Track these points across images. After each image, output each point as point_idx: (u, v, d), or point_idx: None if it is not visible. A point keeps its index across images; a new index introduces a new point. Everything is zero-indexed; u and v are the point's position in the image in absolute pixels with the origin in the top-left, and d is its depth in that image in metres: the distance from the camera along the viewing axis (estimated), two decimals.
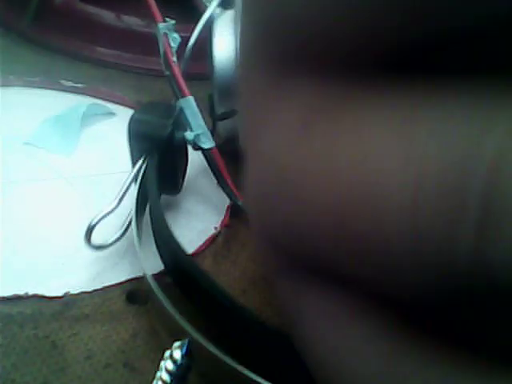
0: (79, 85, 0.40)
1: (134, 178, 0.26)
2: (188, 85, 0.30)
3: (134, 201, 0.26)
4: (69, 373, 0.22)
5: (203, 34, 0.32)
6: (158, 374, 0.17)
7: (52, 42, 0.44)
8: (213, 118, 0.33)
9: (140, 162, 0.27)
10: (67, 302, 0.25)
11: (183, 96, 0.29)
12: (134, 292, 0.26)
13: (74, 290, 0.25)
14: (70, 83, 0.40)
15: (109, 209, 0.24)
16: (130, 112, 0.40)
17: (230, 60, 0.31)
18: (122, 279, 0.26)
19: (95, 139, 0.36)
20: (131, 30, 0.45)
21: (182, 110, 0.28)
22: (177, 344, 0.17)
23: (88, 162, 0.34)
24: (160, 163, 0.27)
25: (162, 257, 0.25)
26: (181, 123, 0.29)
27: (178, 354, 0.17)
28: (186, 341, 0.17)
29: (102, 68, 0.43)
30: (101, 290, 0.26)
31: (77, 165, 0.33)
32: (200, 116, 0.29)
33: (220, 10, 0.32)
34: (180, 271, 0.23)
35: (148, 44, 0.45)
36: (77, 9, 0.44)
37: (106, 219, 0.25)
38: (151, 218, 0.26)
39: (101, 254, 0.28)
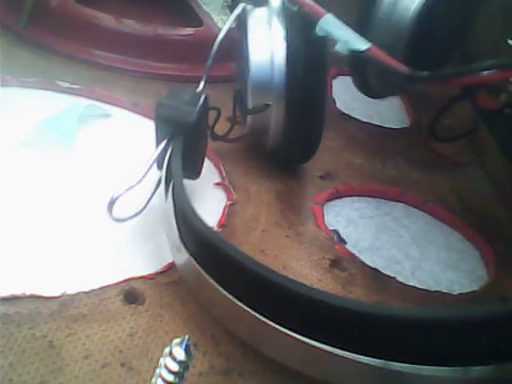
0: (76, 86, 0.40)
1: (158, 157, 0.28)
2: (211, 87, 0.31)
3: (163, 173, 0.27)
4: (66, 372, 0.22)
5: (227, 35, 0.32)
6: (158, 370, 0.17)
7: (49, 44, 0.44)
8: (244, 112, 0.34)
9: (164, 142, 0.28)
10: (64, 301, 0.25)
11: (320, 17, 0.30)
12: (131, 291, 0.26)
13: (71, 289, 0.25)
14: (66, 84, 0.40)
15: (132, 183, 0.26)
16: (126, 113, 0.40)
17: (264, 56, 0.32)
18: (119, 279, 0.26)
19: (92, 140, 0.36)
20: (129, 32, 0.45)
21: (325, 31, 0.29)
22: (176, 341, 0.17)
23: (85, 162, 0.34)
24: (184, 147, 0.28)
25: (181, 234, 0.25)
26: (205, 111, 0.30)
27: (177, 351, 0.17)
28: (186, 338, 0.17)
29: (98, 70, 0.43)
30: (98, 289, 0.26)
31: (73, 165, 0.33)
32: (344, 25, 0.30)
33: (251, 7, 0.33)
34: (206, 246, 0.23)
35: (145, 47, 0.45)
36: (73, 11, 0.44)
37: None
38: (173, 198, 0.27)
39: (98, 253, 0.28)
